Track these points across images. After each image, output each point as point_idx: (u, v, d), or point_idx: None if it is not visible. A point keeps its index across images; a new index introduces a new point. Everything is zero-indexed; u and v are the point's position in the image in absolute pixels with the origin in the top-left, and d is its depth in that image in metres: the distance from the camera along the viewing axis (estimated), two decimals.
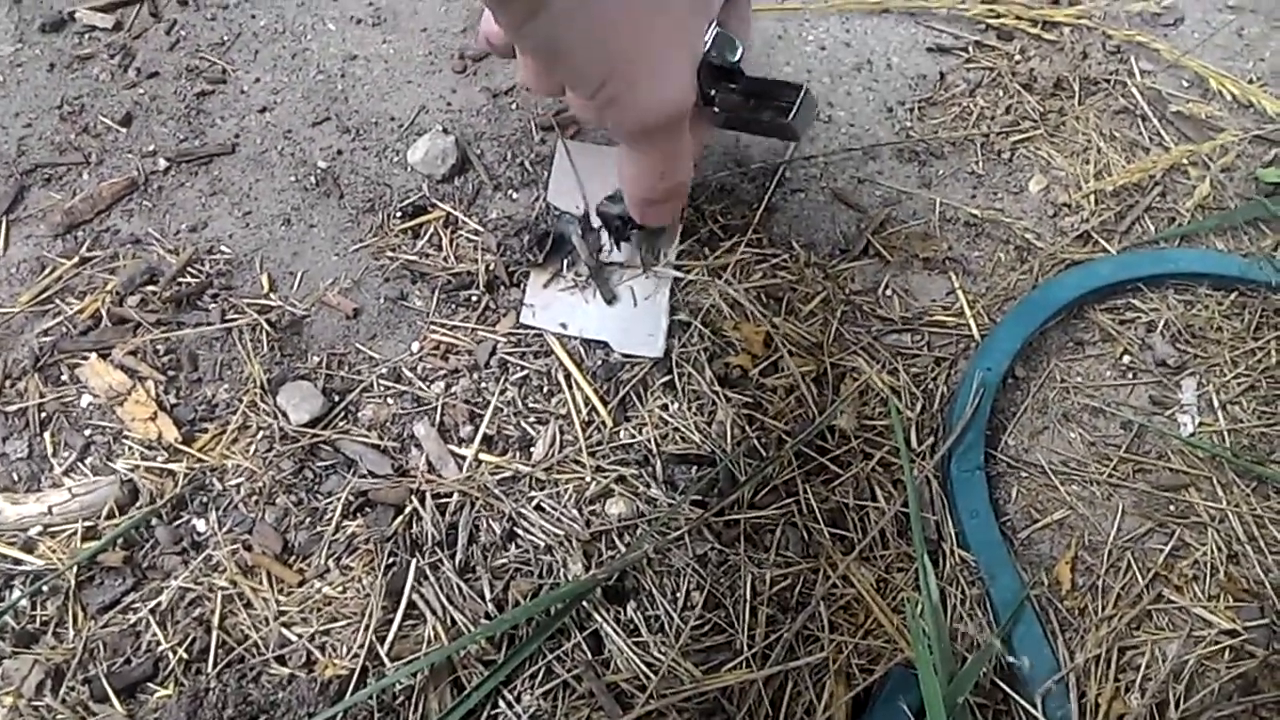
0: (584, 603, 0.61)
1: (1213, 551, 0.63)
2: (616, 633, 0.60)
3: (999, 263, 0.75)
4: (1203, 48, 0.85)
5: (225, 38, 0.83)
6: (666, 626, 0.61)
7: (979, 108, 0.82)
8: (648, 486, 0.65)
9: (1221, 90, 0.82)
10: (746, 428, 0.67)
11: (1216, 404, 0.69)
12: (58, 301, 0.71)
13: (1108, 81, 0.83)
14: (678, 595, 0.61)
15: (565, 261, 0.75)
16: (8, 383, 0.68)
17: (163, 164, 0.77)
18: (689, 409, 0.68)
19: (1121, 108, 0.82)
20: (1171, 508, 0.65)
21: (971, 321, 0.72)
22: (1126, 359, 0.71)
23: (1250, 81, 0.82)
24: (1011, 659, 0.60)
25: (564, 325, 0.72)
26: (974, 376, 0.68)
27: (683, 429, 0.67)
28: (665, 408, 0.68)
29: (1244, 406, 0.69)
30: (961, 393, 0.68)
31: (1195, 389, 0.69)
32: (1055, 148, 0.80)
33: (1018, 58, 0.84)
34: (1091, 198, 0.77)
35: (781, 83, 0.63)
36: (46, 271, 0.72)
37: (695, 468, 0.66)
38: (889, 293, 0.74)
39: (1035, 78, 0.83)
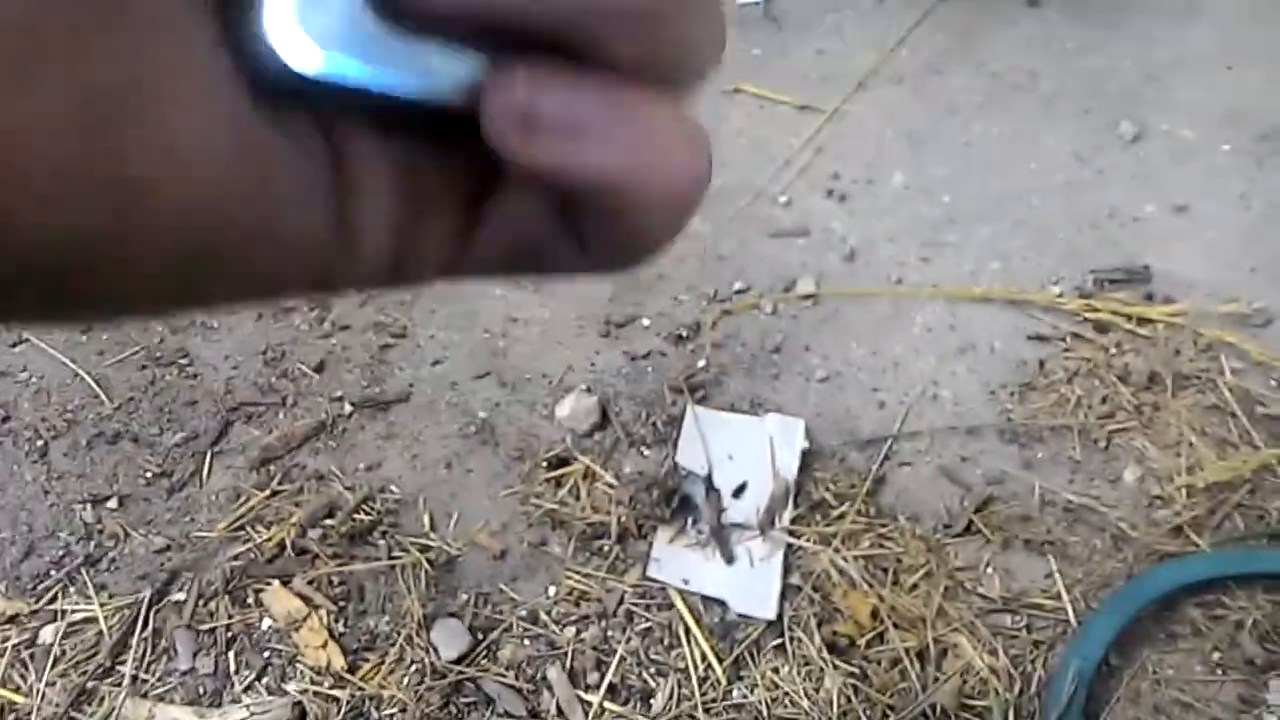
0: None
1: None
2: None
3: (1095, 549, 0.80)
4: None
5: (407, 297, 0.97)
6: None
7: (1076, 396, 0.89)
8: None
9: None
10: (852, 697, 0.73)
11: None
12: (249, 529, 0.82)
13: (1199, 378, 0.89)
14: None
15: (690, 519, 0.83)
16: (201, 602, 0.78)
17: (348, 408, 0.89)
18: (798, 674, 0.74)
19: (1212, 404, 0.88)
20: None
21: (1069, 606, 0.77)
22: (1216, 655, 0.75)
23: None
24: None
25: (686, 581, 0.79)
26: (1071, 664, 0.72)
27: (792, 694, 0.73)
28: (776, 670, 0.74)
29: None
30: (1058, 679, 0.72)
31: None
32: (1149, 440, 0.86)
33: (1113, 350, 0.91)
34: (1183, 491, 0.82)
35: None
36: (241, 501, 0.83)
37: None
38: (990, 571, 0.80)
39: (1130, 371, 0.89)
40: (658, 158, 0.14)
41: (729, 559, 0.80)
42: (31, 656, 0.76)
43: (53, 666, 0.75)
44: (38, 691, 0.74)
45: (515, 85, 0.13)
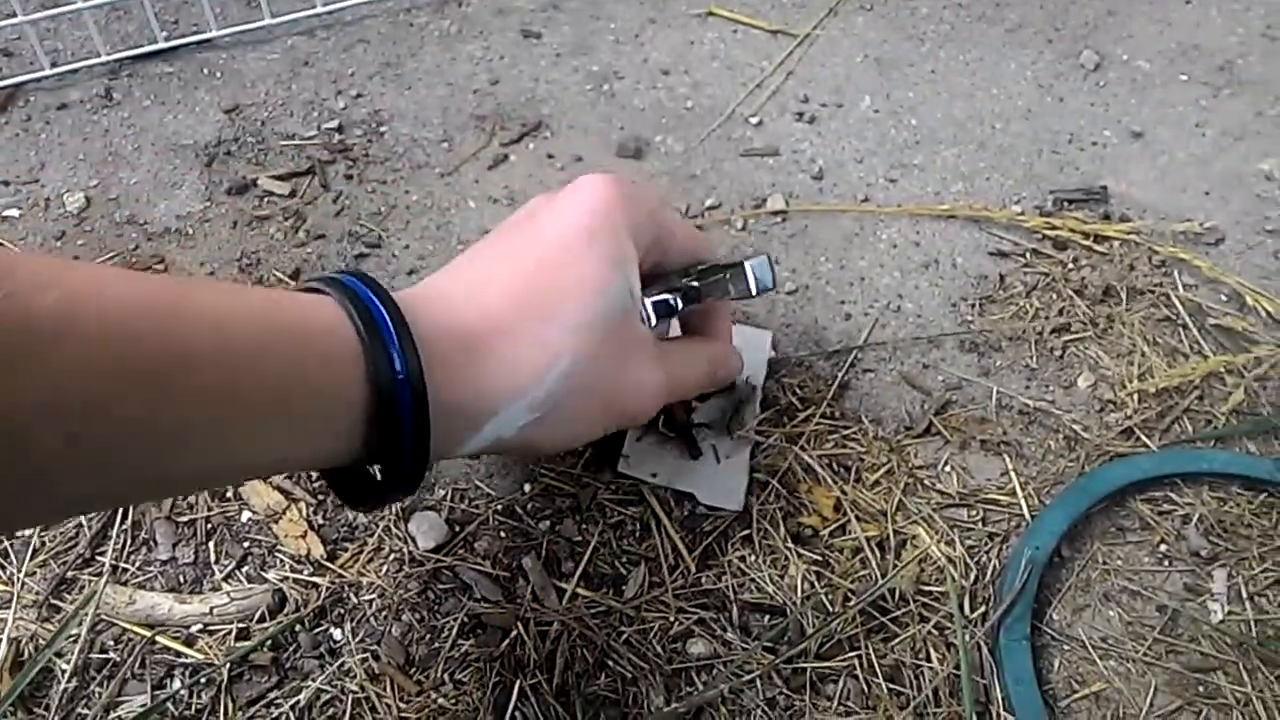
0: None
1: None
2: None
3: (1049, 450, 0.84)
4: (1241, 266, 0.95)
5: (382, 209, 0.98)
6: None
7: (1034, 308, 0.92)
8: (724, 630, 0.74)
9: (1257, 306, 0.91)
10: (815, 583, 0.76)
11: (1245, 594, 0.76)
12: None
13: (1152, 292, 0.93)
14: None
15: (659, 419, 0.85)
16: (181, 497, 0.79)
17: None
18: (764, 562, 0.77)
19: (1164, 316, 0.91)
20: (1200, 688, 0.72)
21: (1023, 502, 0.80)
22: (1163, 547, 0.79)
23: None
24: None
25: (654, 475, 0.82)
26: (1024, 553, 0.76)
27: (758, 580, 0.76)
28: (743, 559, 0.77)
29: (1270, 599, 0.75)
30: (1012, 567, 0.76)
31: (1225, 579, 0.77)
32: (1103, 349, 0.89)
33: (1070, 266, 0.95)
34: (1135, 397, 0.86)
35: (722, 268, 0.72)
36: None
37: (768, 616, 0.75)
38: (948, 470, 0.83)
39: (1086, 285, 0.93)
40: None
41: (695, 455, 0.83)
42: (11, 548, 0.77)
43: (32, 557, 0.76)
44: (18, 580, 0.75)
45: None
